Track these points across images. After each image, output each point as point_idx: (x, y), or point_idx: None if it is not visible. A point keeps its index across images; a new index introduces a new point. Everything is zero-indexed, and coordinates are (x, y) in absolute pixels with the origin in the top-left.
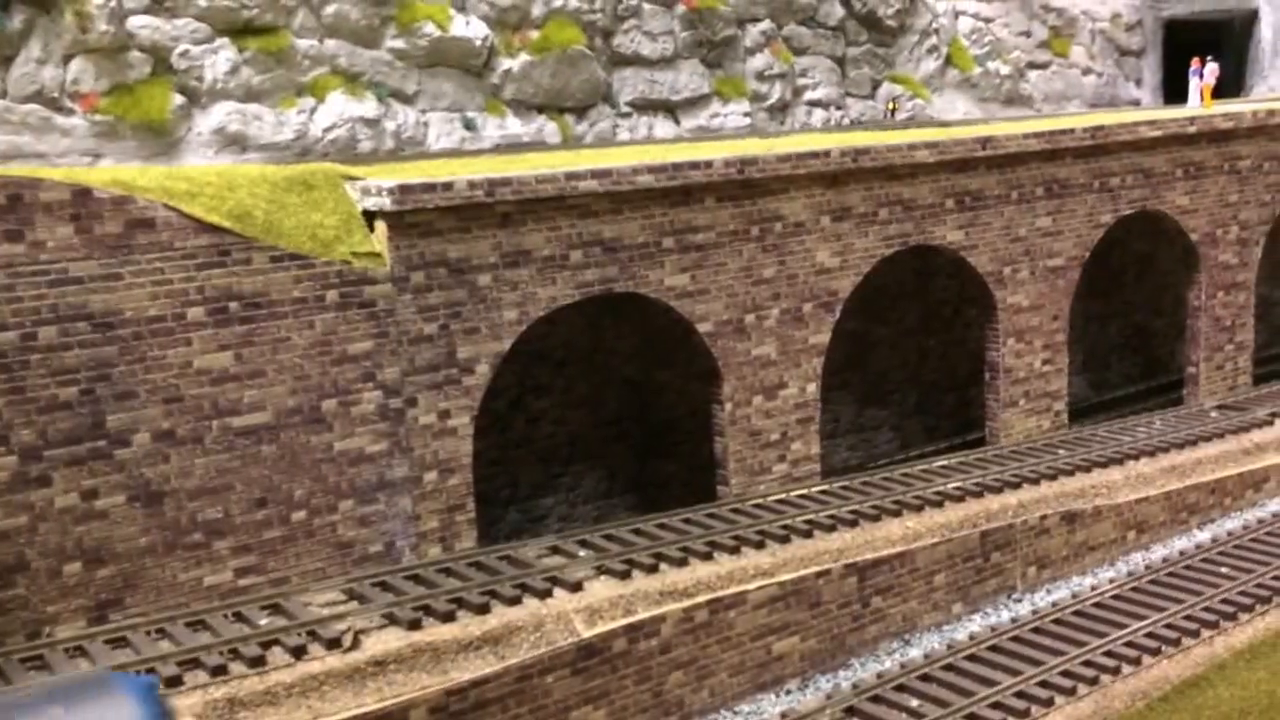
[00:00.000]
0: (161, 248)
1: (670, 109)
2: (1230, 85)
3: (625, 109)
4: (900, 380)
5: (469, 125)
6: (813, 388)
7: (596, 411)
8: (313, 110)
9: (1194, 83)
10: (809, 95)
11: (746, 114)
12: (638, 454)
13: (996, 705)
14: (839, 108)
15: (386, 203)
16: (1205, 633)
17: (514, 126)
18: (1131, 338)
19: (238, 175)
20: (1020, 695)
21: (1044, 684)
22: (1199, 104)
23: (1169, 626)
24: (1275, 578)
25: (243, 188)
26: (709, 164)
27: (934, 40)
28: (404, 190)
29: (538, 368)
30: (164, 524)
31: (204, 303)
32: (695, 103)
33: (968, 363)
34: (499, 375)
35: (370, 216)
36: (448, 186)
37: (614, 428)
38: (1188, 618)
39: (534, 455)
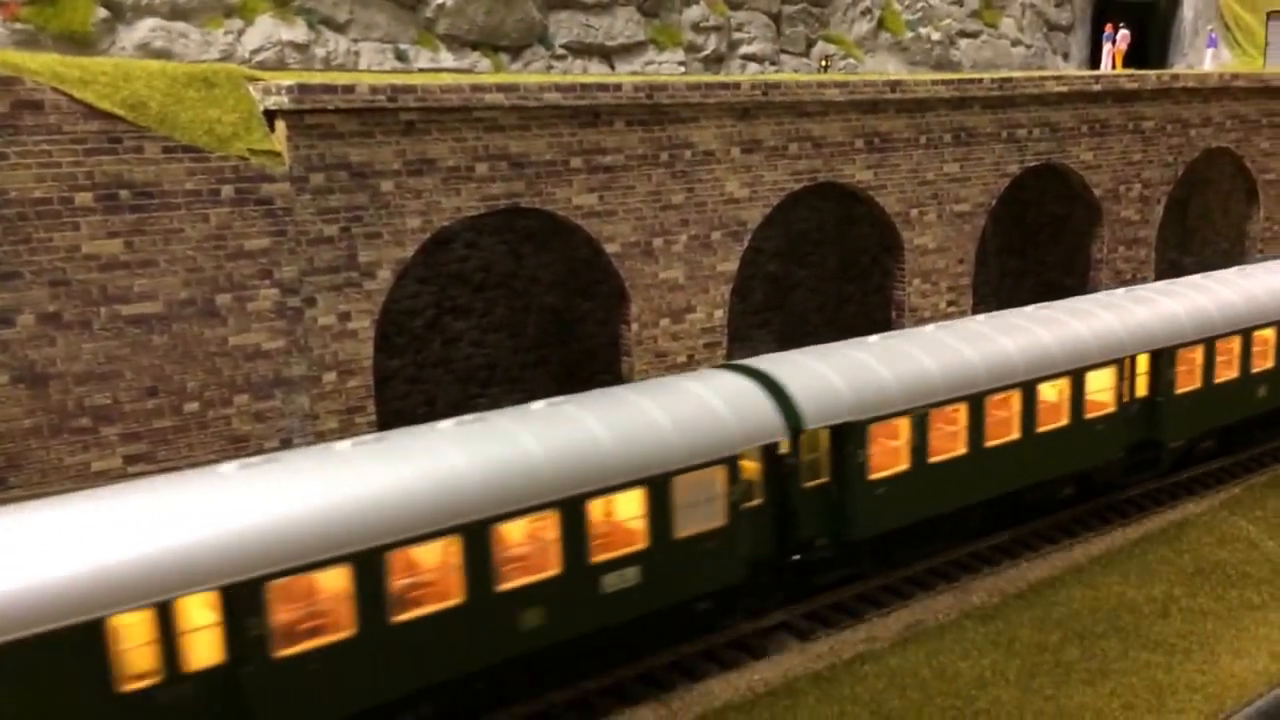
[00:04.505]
0: (49, 130)
1: (606, 54)
2: (1154, 61)
3: (560, 51)
4: (819, 322)
5: (401, 57)
6: (720, 314)
7: (516, 336)
8: (240, 32)
9: (1106, 48)
10: (744, 49)
11: (681, 63)
12: (558, 380)
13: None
14: (773, 63)
15: (285, 101)
16: (1065, 540)
17: (447, 61)
18: (1044, 294)
19: (134, 67)
20: (885, 589)
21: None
22: (1110, 69)
23: (1034, 534)
24: (1144, 494)
25: (139, 79)
26: (618, 87)
27: (868, 3)
28: (303, 90)
29: (456, 289)
30: (49, 407)
31: (93, 188)
32: (631, 49)
33: (884, 308)
34: (416, 294)
35: (271, 116)
36: (349, 89)
37: (534, 354)
38: (1053, 526)
39: (452, 376)
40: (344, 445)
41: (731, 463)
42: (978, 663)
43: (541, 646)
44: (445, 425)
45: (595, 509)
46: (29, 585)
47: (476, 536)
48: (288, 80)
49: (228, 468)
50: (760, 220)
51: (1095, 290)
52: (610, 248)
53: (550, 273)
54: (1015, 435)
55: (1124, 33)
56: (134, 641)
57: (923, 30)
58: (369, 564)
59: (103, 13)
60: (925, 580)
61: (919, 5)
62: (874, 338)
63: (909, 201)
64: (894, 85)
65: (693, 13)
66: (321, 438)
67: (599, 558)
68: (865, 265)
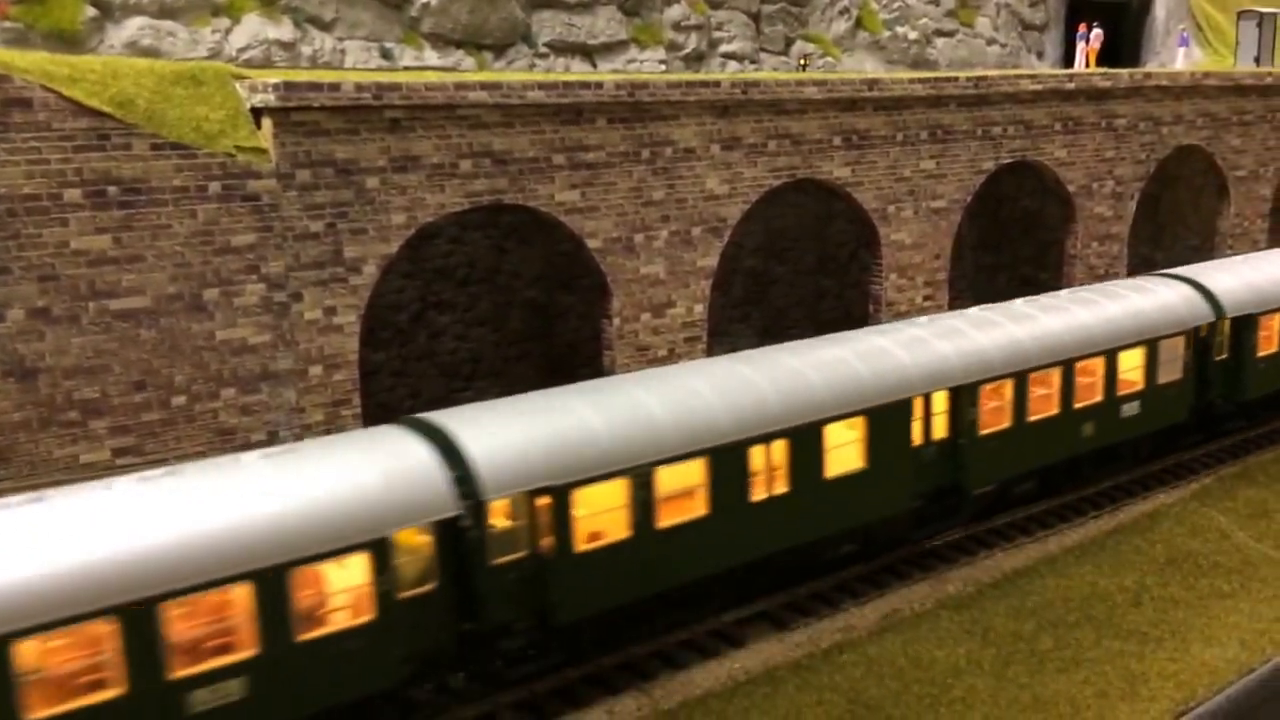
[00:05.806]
0: (38, 128)
1: (588, 52)
2: (1127, 60)
3: (543, 49)
4: (799, 317)
5: (386, 55)
6: (700, 308)
7: (499, 330)
8: (228, 30)
9: (1080, 46)
10: (724, 48)
11: (662, 61)
12: (540, 374)
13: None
14: (753, 61)
15: (272, 99)
16: (1039, 531)
17: (432, 60)
18: (1019, 288)
19: (122, 65)
20: (862, 578)
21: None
22: (1084, 67)
23: (1009, 525)
24: (1116, 486)
25: (127, 77)
26: (600, 85)
27: (846, 2)
28: (289, 87)
29: (440, 284)
30: (38, 400)
31: (81, 185)
32: (612, 48)
33: (862, 303)
34: (401, 289)
35: (258, 114)
36: (334, 87)
37: (517, 347)
38: (1028, 518)
39: (436, 369)
40: (974, 311)
41: (1188, 334)
42: (953, 651)
43: (1087, 451)
44: (1018, 303)
45: (1120, 359)
46: (882, 380)
47: (1068, 370)
48: (274, 78)
49: (923, 318)
50: (740, 216)
51: (1070, 285)
52: (592, 243)
53: (533, 268)
54: None
55: (1097, 32)
56: (917, 416)
57: (900, 29)
58: (1022, 381)
59: (91, 11)
60: (901, 570)
61: (896, 5)
62: (1239, 257)
63: (886, 198)
64: (871, 84)
65: (673, 12)
66: (308, 430)
67: (1121, 393)
68: (843, 260)
